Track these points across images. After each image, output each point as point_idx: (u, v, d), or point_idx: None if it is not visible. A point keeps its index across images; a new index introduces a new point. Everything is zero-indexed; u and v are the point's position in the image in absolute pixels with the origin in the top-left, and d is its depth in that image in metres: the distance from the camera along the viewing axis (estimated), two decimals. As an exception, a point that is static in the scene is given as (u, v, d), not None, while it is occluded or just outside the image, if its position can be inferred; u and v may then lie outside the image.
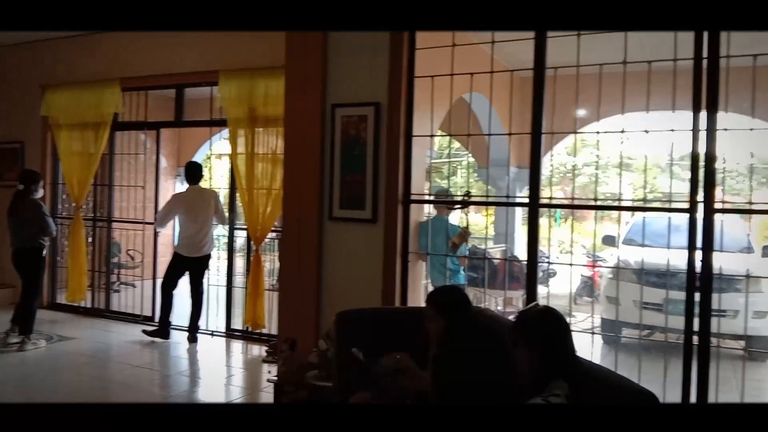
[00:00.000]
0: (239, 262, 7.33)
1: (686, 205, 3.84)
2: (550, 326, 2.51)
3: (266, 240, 6.39)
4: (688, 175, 3.87)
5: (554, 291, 7.57)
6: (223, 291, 6.85)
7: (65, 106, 7.39)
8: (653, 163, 16.57)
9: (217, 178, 7.45)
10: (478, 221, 13.19)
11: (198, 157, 10.09)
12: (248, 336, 6.51)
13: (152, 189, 7.47)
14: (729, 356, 5.93)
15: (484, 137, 6.72)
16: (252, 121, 6.16)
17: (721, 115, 3.70)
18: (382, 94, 4.43)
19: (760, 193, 12.89)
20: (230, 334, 6.64)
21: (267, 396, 4.74)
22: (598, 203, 4.63)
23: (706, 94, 3.68)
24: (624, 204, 4.68)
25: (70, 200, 7.58)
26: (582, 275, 9.48)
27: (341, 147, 4.61)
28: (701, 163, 3.71)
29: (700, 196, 3.72)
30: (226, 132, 6.92)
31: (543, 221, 4.36)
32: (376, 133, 4.47)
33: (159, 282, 7.05)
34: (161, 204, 7.27)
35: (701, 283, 3.73)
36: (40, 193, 6.05)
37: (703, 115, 3.70)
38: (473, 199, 4.77)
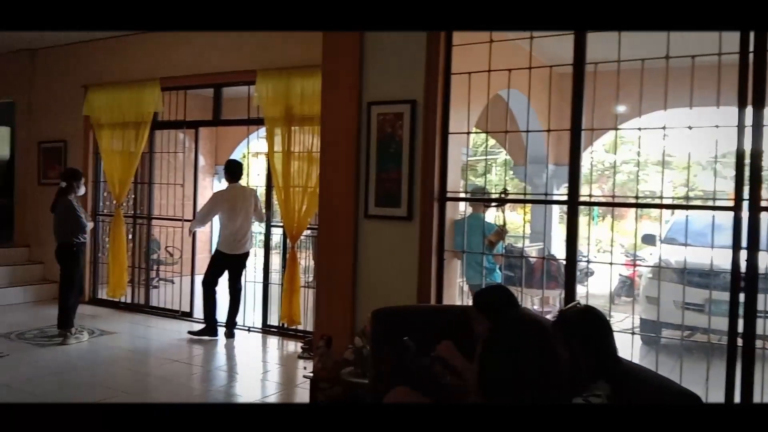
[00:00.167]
0: (275, 260, 7.39)
1: (731, 203, 3.74)
2: (591, 326, 2.47)
3: (302, 237, 6.43)
4: (730, 172, 3.77)
5: (592, 291, 7.46)
6: (259, 288, 6.93)
7: (107, 105, 7.55)
8: (693, 161, 16.20)
9: (253, 176, 7.51)
10: (514, 219, 13.07)
11: (235, 156, 10.21)
12: (284, 332, 6.57)
13: (191, 187, 7.58)
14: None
15: (521, 134, 6.66)
16: (288, 119, 6.21)
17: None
18: (419, 91, 4.41)
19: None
20: (266, 330, 6.71)
21: (303, 392, 4.77)
22: (639, 201, 4.52)
23: (753, 89, 3.58)
24: (665, 202, 4.57)
25: (111, 198, 7.75)
26: (620, 275, 9.33)
27: (377, 145, 4.60)
28: (746, 160, 3.61)
29: (746, 194, 3.62)
30: (262, 130, 7.00)
31: (581, 219, 4.29)
32: (412, 131, 4.45)
33: (198, 279, 7.16)
34: (200, 202, 7.38)
35: (746, 283, 3.63)
36: (81, 191, 6.19)
37: (749, 110, 3.60)
38: (510, 196, 4.71)
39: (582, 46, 4.01)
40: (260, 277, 6.96)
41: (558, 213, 9.01)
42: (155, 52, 7.18)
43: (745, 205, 3.62)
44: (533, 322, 2.17)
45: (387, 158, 4.58)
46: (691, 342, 5.87)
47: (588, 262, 5.14)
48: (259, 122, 6.72)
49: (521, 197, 5.70)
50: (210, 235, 9.76)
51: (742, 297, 3.65)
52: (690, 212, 6.42)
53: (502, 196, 4.56)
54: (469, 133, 4.62)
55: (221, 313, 6.52)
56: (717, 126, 3.88)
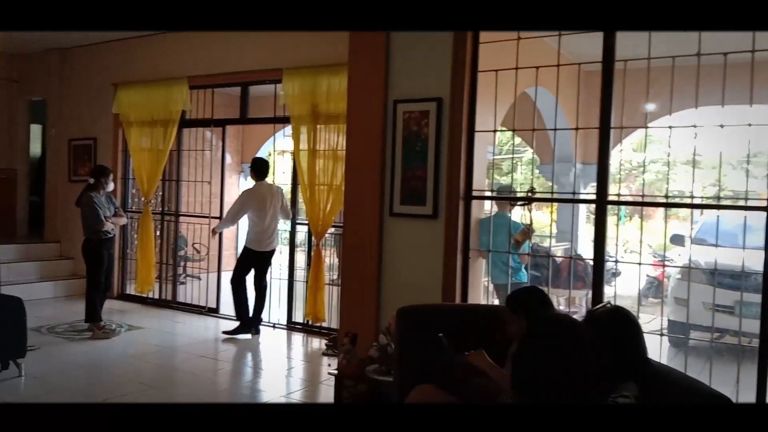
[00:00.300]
0: (300, 257, 7.43)
1: (763, 203, 3.66)
2: (620, 326, 2.44)
3: (327, 235, 6.46)
4: (762, 172, 3.70)
5: (619, 291, 7.37)
6: (284, 285, 6.97)
7: (135, 103, 7.66)
8: (724, 160, 15.88)
9: (279, 174, 7.56)
10: (540, 219, 12.96)
11: (261, 154, 10.28)
12: (308, 329, 6.60)
13: (218, 184, 7.66)
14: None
15: (548, 133, 6.60)
16: (314, 117, 6.24)
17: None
18: (445, 89, 4.40)
19: (843, 192, 12.16)
20: (291, 326, 6.76)
21: (327, 389, 4.79)
22: (668, 201, 4.46)
23: (788, 87, 3.50)
24: (695, 202, 4.49)
25: (139, 195, 7.86)
26: (648, 275, 9.20)
27: (402, 143, 4.60)
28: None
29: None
30: (288, 129, 7.03)
31: (609, 219, 4.24)
32: (438, 129, 4.44)
33: (224, 275, 7.23)
34: (227, 199, 7.44)
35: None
36: (110, 187, 6.27)
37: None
38: (537, 195, 4.67)
39: (611, 43, 3.96)
40: (285, 275, 7.01)
41: (585, 212, 8.92)
42: (183, 51, 7.26)
43: (779, 205, 3.55)
44: (568, 323, 2.16)
45: (412, 156, 4.57)
46: (721, 344, 5.77)
47: (616, 262, 5.07)
48: (285, 120, 6.76)
49: (548, 196, 5.65)
50: (236, 233, 9.84)
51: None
52: (721, 212, 6.31)
53: (529, 194, 4.52)
54: (495, 131, 4.59)
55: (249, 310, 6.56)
56: (749, 125, 3.81)
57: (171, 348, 6.03)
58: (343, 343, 4.45)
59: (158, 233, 8.01)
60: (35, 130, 9.82)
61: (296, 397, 4.80)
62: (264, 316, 6.59)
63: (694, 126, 4.08)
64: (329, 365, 5.35)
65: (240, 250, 7.04)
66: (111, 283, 6.65)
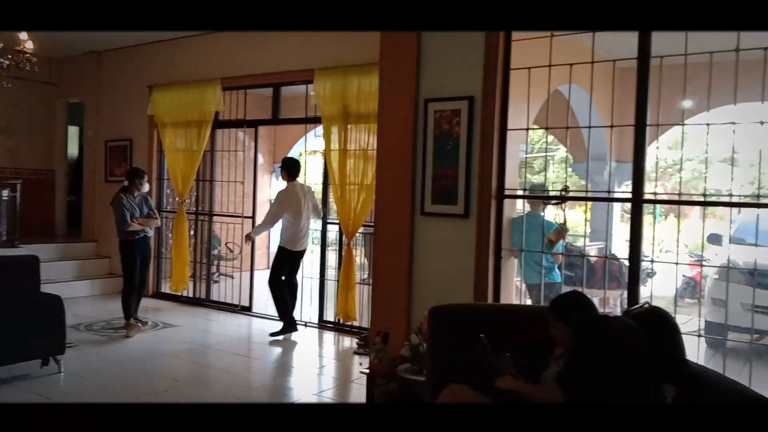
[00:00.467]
0: (331, 256, 7.47)
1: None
2: (657, 327, 2.40)
3: (357, 235, 6.47)
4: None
5: (654, 292, 7.24)
6: (316, 284, 7.01)
7: (170, 105, 7.78)
8: (764, 157, 15.48)
9: (310, 173, 7.58)
10: (574, 218, 12.79)
11: (292, 154, 10.36)
12: (340, 328, 6.63)
13: (250, 184, 7.74)
14: None
15: (581, 131, 6.52)
16: (345, 117, 6.27)
17: None
18: (476, 87, 4.37)
19: None
20: (322, 325, 6.79)
21: (358, 388, 4.80)
22: (706, 199, 4.36)
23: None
24: (733, 200, 4.38)
25: (174, 195, 7.98)
26: (684, 276, 9.02)
27: (434, 142, 4.58)
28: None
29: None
30: (319, 129, 7.07)
31: (644, 218, 4.16)
32: (470, 128, 4.41)
33: (257, 274, 7.31)
34: (259, 199, 7.51)
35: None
36: (145, 188, 6.38)
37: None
38: (571, 194, 4.62)
39: (647, 40, 3.89)
40: (316, 274, 7.04)
41: (619, 211, 8.79)
42: (217, 53, 7.35)
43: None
44: (627, 328, 2.13)
45: (444, 155, 4.55)
46: (761, 346, 5.63)
47: (652, 262, 4.99)
48: (316, 120, 6.80)
49: (582, 195, 5.58)
50: (268, 232, 9.92)
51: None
52: (760, 211, 6.16)
53: (563, 193, 4.47)
54: (528, 129, 4.55)
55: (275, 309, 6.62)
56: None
57: (204, 346, 6.12)
58: (374, 342, 4.46)
59: (192, 233, 8.12)
60: (73, 131, 10.06)
61: (328, 395, 4.82)
62: (296, 314, 6.63)
63: (733, 123, 3.99)
64: (360, 364, 5.36)
65: (272, 249, 7.08)
66: (146, 282, 6.74)
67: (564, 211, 4.72)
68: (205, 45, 7.45)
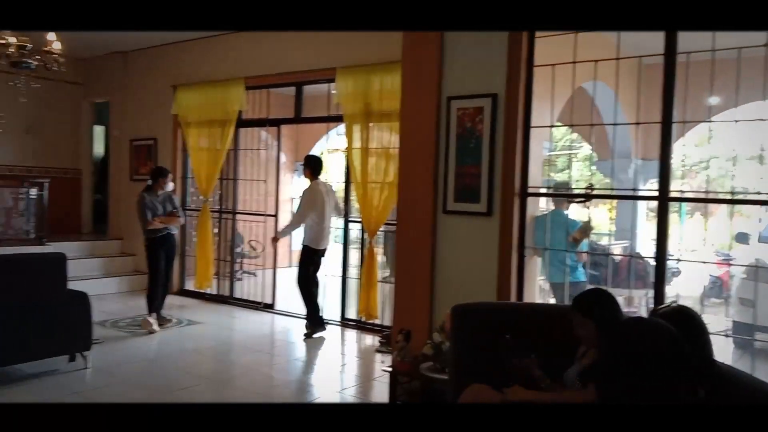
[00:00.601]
0: (353, 254, 7.48)
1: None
2: (684, 327, 2.37)
3: (379, 232, 6.47)
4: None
5: (679, 291, 7.15)
6: (338, 282, 7.03)
7: (194, 104, 7.85)
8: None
9: (332, 172, 7.62)
10: (597, 216, 12.66)
11: (314, 152, 10.40)
12: (362, 326, 6.64)
13: (273, 183, 7.78)
14: None
15: (605, 128, 6.45)
16: (367, 116, 6.27)
17: None
18: (500, 84, 4.35)
19: None
20: (344, 323, 6.81)
21: (381, 385, 4.81)
22: (734, 197, 4.29)
23: None
24: (762, 198, 4.29)
25: (198, 193, 8.05)
26: (710, 275, 8.89)
27: (456, 140, 4.57)
28: None
29: None
30: (341, 127, 7.08)
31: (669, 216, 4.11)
32: (493, 125, 4.39)
33: (280, 272, 7.34)
34: (282, 197, 7.54)
35: None
36: (170, 187, 6.45)
37: None
38: (596, 192, 4.56)
39: (673, 35, 3.84)
40: (339, 272, 7.06)
41: (644, 209, 8.68)
42: (240, 53, 7.40)
43: None
44: (659, 326, 2.10)
45: (466, 153, 4.54)
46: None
47: (678, 260, 4.92)
48: (338, 119, 6.81)
49: (608, 192, 5.52)
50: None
51: None
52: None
53: (588, 191, 4.42)
54: (552, 126, 4.51)
55: (300, 307, 6.65)
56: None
57: (228, 343, 6.17)
58: (397, 340, 4.46)
59: (216, 231, 8.20)
60: (99, 131, 10.21)
61: (350, 392, 4.83)
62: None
63: (762, 120, 3.92)
64: (383, 362, 5.37)
65: (294, 248, 7.11)
66: (171, 279, 6.82)
67: (589, 209, 4.67)
68: (228, 45, 7.50)
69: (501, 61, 4.34)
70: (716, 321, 6.67)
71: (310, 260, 6.37)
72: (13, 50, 6.14)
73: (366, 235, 6.39)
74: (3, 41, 6.09)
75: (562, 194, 5.03)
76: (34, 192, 7.77)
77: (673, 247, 4.88)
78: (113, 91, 8.98)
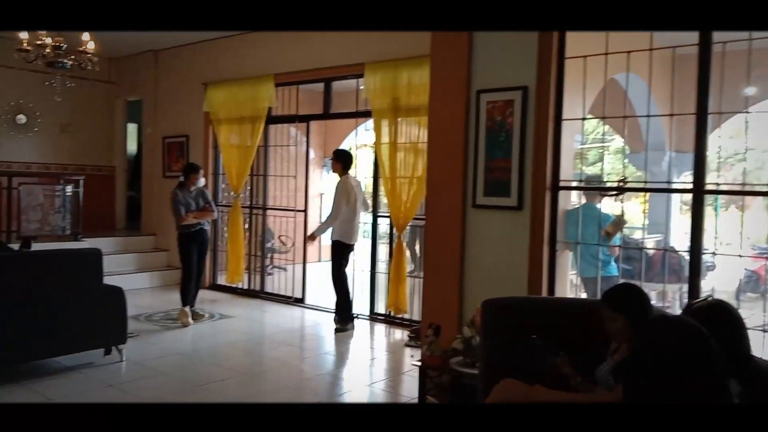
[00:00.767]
0: (382, 249, 7.49)
1: None
2: (721, 321, 2.32)
3: (408, 227, 6.47)
4: None
5: (714, 286, 7.01)
6: (366, 276, 7.05)
7: (224, 101, 7.94)
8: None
9: (360, 167, 7.62)
10: (630, 209, 12.44)
11: (343, 148, 10.42)
12: (390, 320, 6.66)
13: (302, 178, 7.83)
14: None
15: (638, 120, 6.35)
16: (395, 111, 6.27)
17: None
18: (531, 77, 4.30)
19: None
20: (373, 317, 6.83)
21: (410, 380, 4.81)
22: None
23: None
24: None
25: (229, 189, 8.14)
26: (746, 269, 8.69)
27: (486, 133, 4.54)
28: None
29: None
30: (369, 122, 7.09)
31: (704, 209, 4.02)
32: (523, 118, 4.35)
33: (310, 267, 7.38)
34: (311, 193, 7.57)
35: None
36: (201, 182, 6.54)
37: None
38: (630, 185, 4.49)
39: (709, 24, 3.75)
40: (367, 266, 7.08)
41: (678, 203, 8.52)
42: (269, 50, 7.45)
43: None
44: (688, 322, 2.06)
45: (496, 147, 4.51)
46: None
47: (713, 254, 4.82)
48: (366, 114, 6.82)
49: (641, 185, 5.42)
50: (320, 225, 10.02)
51: None
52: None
53: (621, 184, 4.36)
54: (584, 119, 4.46)
55: (329, 301, 6.68)
56: None
57: (259, 336, 6.24)
58: (426, 334, 4.45)
59: (247, 226, 8.28)
60: (132, 128, 10.40)
61: (380, 386, 4.85)
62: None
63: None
64: (412, 356, 5.37)
65: (323, 243, 7.13)
66: (203, 273, 6.91)
67: (621, 202, 4.60)
68: (258, 42, 7.56)
69: (531, 54, 4.29)
70: (753, 316, 6.53)
71: (342, 255, 6.39)
72: (48, 50, 6.29)
73: (395, 230, 6.39)
74: (39, 42, 6.23)
75: (594, 188, 4.96)
76: (69, 189, 7.95)
77: (708, 240, 4.79)
78: (146, 90, 9.12)
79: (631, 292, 2.71)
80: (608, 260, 5.15)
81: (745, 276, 8.65)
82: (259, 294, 7.94)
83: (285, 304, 7.54)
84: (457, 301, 4.71)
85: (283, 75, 7.34)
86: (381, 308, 6.82)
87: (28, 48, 6.19)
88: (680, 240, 7.19)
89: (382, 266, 7.18)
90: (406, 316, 6.47)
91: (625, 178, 4.37)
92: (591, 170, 9.14)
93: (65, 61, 6.43)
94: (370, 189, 7.06)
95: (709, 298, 2.55)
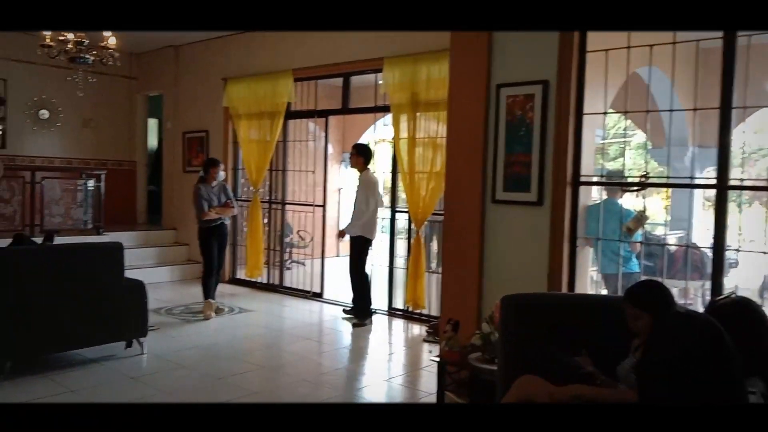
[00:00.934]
0: (400, 244, 7.48)
1: None
2: (744, 319, 2.29)
3: (426, 222, 6.45)
4: None
5: (737, 283, 6.91)
6: (385, 271, 7.05)
7: (244, 97, 7.97)
8: None
9: (379, 162, 7.61)
10: (652, 205, 12.29)
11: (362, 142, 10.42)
12: (408, 315, 6.65)
13: (321, 174, 7.84)
14: None
15: (660, 115, 6.27)
16: (414, 105, 6.25)
17: None
18: (551, 71, 4.25)
19: None
20: (392, 312, 6.83)
21: (428, 375, 4.81)
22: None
23: None
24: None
25: (248, 184, 8.18)
26: (770, 267, 8.55)
27: (506, 127, 4.50)
28: None
29: None
30: (388, 117, 7.08)
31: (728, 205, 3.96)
32: (544, 113, 4.31)
33: (328, 261, 7.39)
34: (330, 187, 7.57)
35: None
36: (221, 176, 6.59)
37: None
38: (652, 180, 4.43)
39: (734, 17, 3.68)
40: (386, 261, 7.08)
41: (701, 198, 8.40)
42: (288, 45, 7.47)
43: None
44: (705, 320, 2.04)
45: (516, 141, 4.47)
46: None
47: (737, 251, 4.75)
48: (385, 109, 6.81)
49: (663, 181, 5.35)
50: (337, 219, 10.04)
51: None
52: None
53: (643, 179, 4.30)
54: (606, 113, 4.40)
55: (347, 296, 6.69)
56: None
57: (278, 330, 6.27)
58: (445, 330, 4.44)
59: (266, 221, 8.32)
60: (152, 123, 10.49)
61: (398, 381, 4.85)
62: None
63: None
64: (430, 351, 5.37)
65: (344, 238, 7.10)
66: (223, 267, 6.96)
67: (643, 198, 4.54)
68: (277, 37, 7.57)
69: (552, 47, 4.24)
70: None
71: (364, 250, 6.40)
72: (71, 46, 6.36)
73: (413, 225, 6.38)
74: (62, 38, 6.30)
75: (616, 183, 4.90)
76: (91, 183, 8.04)
77: (731, 237, 4.71)
78: (166, 85, 9.19)
79: (654, 290, 2.68)
80: (629, 257, 5.10)
81: (769, 273, 8.51)
82: (278, 288, 7.98)
83: (303, 298, 7.57)
84: (476, 296, 4.68)
85: (301, 70, 7.35)
86: (399, 303, 6.82)
87: (51, 44, 6.27)
88: (703, 236, 7.09)
89: (400, 261, 7.18)
90: (424, 311, 6.46)
91: (647, 174, 4.31)
92: (612, 165, 9.06)
93: (87, 56, 6.50)
94: (389, 184, 7.05)
95: (733, 296, 2.51)
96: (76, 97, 8.06)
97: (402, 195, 6.68)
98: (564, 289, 4.34)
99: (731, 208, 3.96)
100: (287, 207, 8.28)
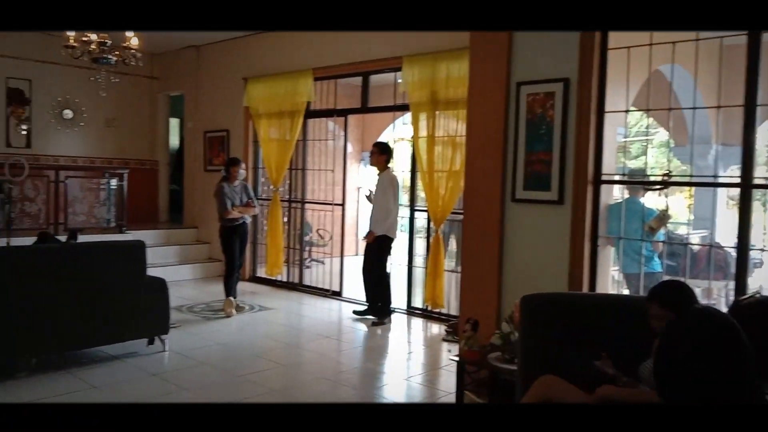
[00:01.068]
0: (419, 243, 7.48)
1: None
2: (766, 319, 2.26)
3: (445, 221, 6.44)
4: None
5: (762, 283, 6.80)
6: (404, 270, 7.05)
7: (264, 96, 8.02)
8: None
9: (398, 161, 7.62)
10: (674, 204, 12.15)
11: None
12: (428, 314, 6.65)
13: (340, 172, 7.86)
14: None
15: (682, 113, 6.18)
16: (433, 104, 6.24)
17: None
18: (572, 69, 4.22)
19: None
20: (411, 311, 6.83)
21: (448, 374, 4.80)
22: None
23: None
24: None
25: (269, 183, 8.23)
26: (796, 267, 8.40)
27: (526, 126, 4.47)
28: None
29: None
30: (406, 116, 7.07)
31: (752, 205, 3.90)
32: (565, 111, 4.27)
33: (347, 260, 7.40)
34: (349, 186, 7.58)
35: None
36: (242, 174, 6.63)
37: None
38: (674, 179, 4.37)
39: (759, 12, 3.63)
40: (405, 261, 7.08)
41: (724, 197, 8.28)
42: (308, 44, 7.49)
43: None
44: (721, 317, 2.02)
45: (536, 140, 4.44)
46: None
47: (762, 250, 4.67)
48: (404, 108, 6.81)
49: (687, 179, 5.27)
50: (356, 218, 10.06)
51: None
52: None
53: (665, 178, 4.24)
54: (627, 111, 4.36)
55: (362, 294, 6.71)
56: None
57: (298, 328, 6.30)
58: (464, 329, 4.43)
59: (286, 219, 8.36)
60: (174, 123, 10.59)
61: (417, 380, 4.85)
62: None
63: None
64: (449, 351, 5.36)
65: (360, 235, 7.12)
66: (243, 265, 7.01)
67: (666, 197, 4.48)
68: (297, 37, 7.60)
69: (573, 45, 4.21)
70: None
71: (387, 250, 6.40)
72: (94, 47, 6.44)
73: (432, 224, 6.37)
74: (85, 38, 6.39)
75: (638, 182, 4.85)
76: (114, 182, 8.14)
77: (755, 236, 4.63)
78: (187, 85, 9.27)
79: (679, 289, 2.65)
80: (651, 256, 5.04)
81: (795, 273, 8.36)
82: (298, 286, 8.02)
83: (323, 296, 7.60)
84: (496, 296, 4.67)
85: (321, 69, 7.38)
86: (418, 302, 6.81)
87: (75, 45, 6.36)
88: (726, 236, 6.99)
89: (419, 260, 7.17)
90: (443, 310, 6.45)
91: (669, 172, 4.26)
92: (634, 164, 8.97)
93: (110, 57, 6.58)
94: (408, 183, 7.04)
95: (757, 295, 2.47)
96: (99, 97, 8.16)
97: (421, 194, 6.67)
98: (585, 289, 4.30)
99: (756, 207, 3.90)
100: (307, 206, 8.32)
